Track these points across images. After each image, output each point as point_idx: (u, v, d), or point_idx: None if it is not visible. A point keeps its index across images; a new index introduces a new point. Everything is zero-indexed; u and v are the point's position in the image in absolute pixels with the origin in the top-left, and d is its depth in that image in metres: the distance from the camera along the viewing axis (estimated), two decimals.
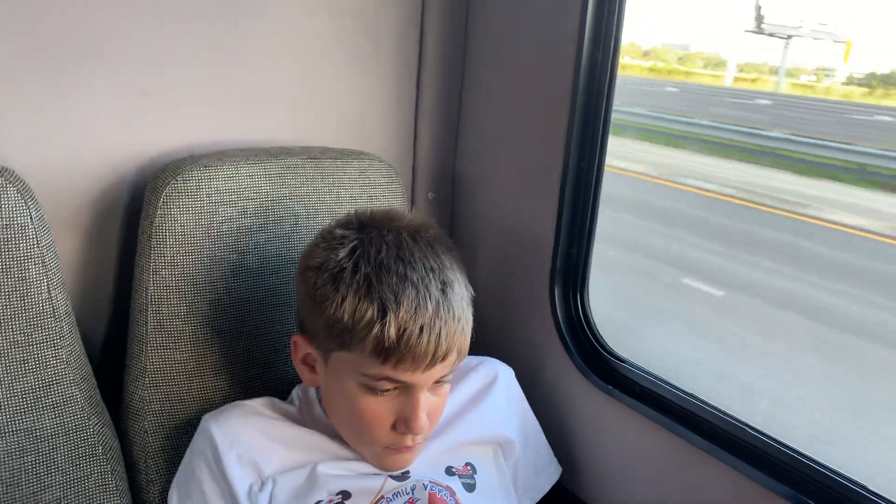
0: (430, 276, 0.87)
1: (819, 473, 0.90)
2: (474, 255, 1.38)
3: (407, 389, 0.88)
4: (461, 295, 0.90)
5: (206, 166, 1.05)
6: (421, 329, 0.84)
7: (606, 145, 1.15)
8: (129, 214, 1.15)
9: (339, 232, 0.90)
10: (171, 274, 1.04)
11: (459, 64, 1.36)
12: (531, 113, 1.23)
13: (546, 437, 1.18)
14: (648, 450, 1.10)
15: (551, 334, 1.23)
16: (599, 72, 1.12)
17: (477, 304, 0.95)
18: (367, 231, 0.89)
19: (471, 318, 0.92)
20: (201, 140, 1.18)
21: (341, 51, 1.28)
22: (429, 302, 0.85)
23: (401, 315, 0.83)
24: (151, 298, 1.04)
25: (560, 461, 1.19)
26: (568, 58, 1.13)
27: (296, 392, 1.04)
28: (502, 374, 1.13)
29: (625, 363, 1.15)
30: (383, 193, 1.20)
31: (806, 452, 0.93)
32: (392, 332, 0.83)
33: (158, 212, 1.03)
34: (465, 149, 1.40)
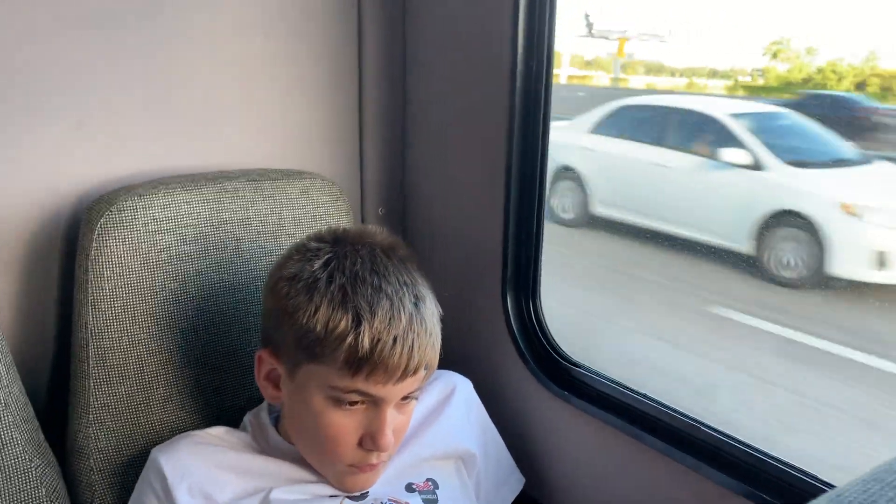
0: (404, 289, 0.88)
1: (773, 468, 0.90)
2: (427, 267, 1.37)
3: (374, 404, 0.87)
4: (432, 310, 0.91)
5: (140, 195, 1.03)
6: (394, 340, 0.84)
7: (548, 150, 1.16)
8: (66, 249, 1.12)
9: (313, 245, 0.91)
10: (111, 307, 1.02)
11: (400, 78, 1.36)
12: (473, 123, 1.23)
13: (507, 447, 1.17)
14: (608, 454, 1.10)
15: (506, 343, 1.22)
16: (535, 80, 1.13)
17: None
18: (342, 245, 0.90)
19: (440, 336, 0.92)
20: (139, 169, 1.16)
21: (279, 71, 1.27)
22: (402, 314, 0.85)
23: (375, 325, 0.84)
24: (92, 333, 1.02)
25: (522, 471, 1.18)
26: (503, 68, 1.14)
27: (248, 419, 1.02)
28: (460, 387, 1.12)
29: (579, 368, 1.15)
30: (328, 212, 1.19)
31: (759, 447, 0.93)
32: (366, 342, 0.83)
33: (94, 244, 1.01)
34: (412, 163, 1.40)
